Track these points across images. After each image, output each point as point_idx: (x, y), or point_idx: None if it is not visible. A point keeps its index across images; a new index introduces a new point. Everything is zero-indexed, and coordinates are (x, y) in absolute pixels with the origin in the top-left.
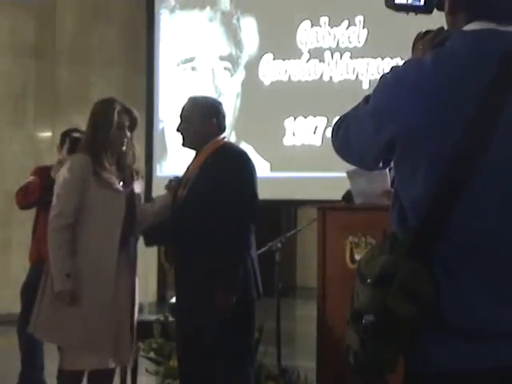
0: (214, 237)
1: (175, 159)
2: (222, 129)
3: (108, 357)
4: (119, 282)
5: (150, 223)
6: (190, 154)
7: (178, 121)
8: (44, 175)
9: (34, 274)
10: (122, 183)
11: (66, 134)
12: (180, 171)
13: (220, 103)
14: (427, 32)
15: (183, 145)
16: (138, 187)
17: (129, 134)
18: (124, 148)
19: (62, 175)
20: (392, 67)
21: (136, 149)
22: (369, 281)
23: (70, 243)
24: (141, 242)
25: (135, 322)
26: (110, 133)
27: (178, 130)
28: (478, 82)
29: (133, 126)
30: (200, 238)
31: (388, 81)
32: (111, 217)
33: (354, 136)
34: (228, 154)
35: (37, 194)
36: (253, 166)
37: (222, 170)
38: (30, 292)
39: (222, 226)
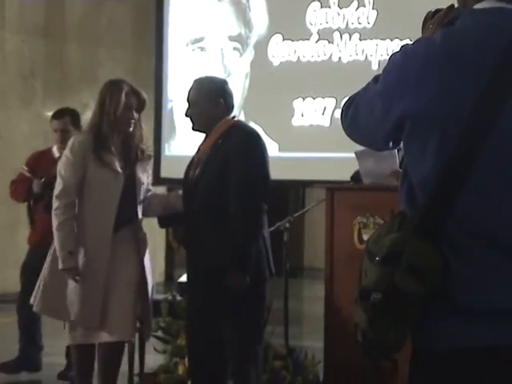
0: (226, 217)
1: (184, 139)
2: (231, 108)
3: (110, 332)
4: (119, 260)
5: (160, 212)
6: (199, 133)
7: (186, 105)
8: (36, 168)
9: (34, 256)
10: (124, 163)
11: (53, 117)
12: (188, 151)
13: (226, 82)
14: (437, 11)
15: (193, 128)
16: (143, 169)
17: (136, 115)
18: (131, 129)
19: (64, 154)
20: (402, 46)
21: (144, 130)
22: (377, 259)
23: (72, 222)
24: (148, 221)
25: (150, 299)
26: (117, 113)
27: (186, 115)
28: (486, 59)
29: (141, 108)
30: (212, 219)
31: (397, 59)
32: (107, 196)
33: (363, 116)
34: (238, 134)
35: (23, 196)
36: (263, 144)
37: (232, 150)
38: (29, 272)
39: (234, 206)
